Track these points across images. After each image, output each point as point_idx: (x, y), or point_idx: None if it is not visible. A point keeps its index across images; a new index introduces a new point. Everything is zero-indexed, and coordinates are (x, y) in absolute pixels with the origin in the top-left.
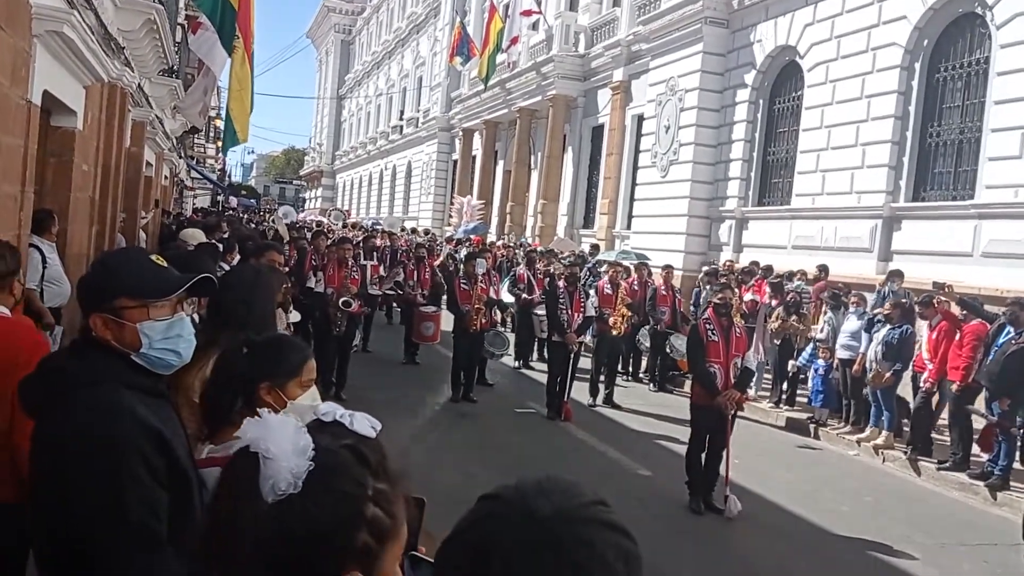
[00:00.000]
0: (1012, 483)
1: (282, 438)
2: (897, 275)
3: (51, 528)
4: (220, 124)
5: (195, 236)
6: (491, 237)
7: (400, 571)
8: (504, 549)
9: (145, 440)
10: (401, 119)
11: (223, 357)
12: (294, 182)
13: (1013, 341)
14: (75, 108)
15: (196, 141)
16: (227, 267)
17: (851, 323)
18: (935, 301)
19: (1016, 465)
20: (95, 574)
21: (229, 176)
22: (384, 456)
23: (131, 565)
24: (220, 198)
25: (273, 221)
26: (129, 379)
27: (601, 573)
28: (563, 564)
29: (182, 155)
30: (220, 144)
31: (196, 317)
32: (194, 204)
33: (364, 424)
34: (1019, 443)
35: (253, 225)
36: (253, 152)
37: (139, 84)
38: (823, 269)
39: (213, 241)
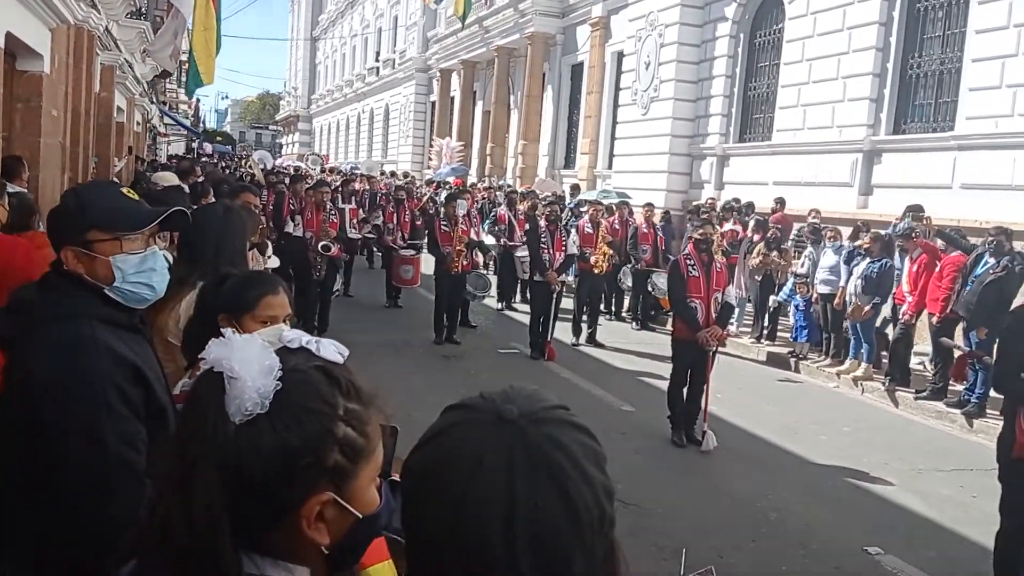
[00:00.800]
0: (988, 410)
1: (247, 357)
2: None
3: (25, 461)
4: None
5: (166, 179)
6: (471, 179)
7: (377, 492)
8: (474, 451)
9: (121, 373)
10: (377, 61)
11: (203, 290)
12: (270, 127)
13: (991, 271)
14: (41, 51)
15: (168, 86)
16: None
17: (828, 258)
18: (914, 234)
19: (992, 393)
20: (73, 503)
21: (203, 122)
22: (354, 377)
23: (111, 496)
24: (195, 145)
25: (249, 167)
26: (102, 313)
27: (573, 471)
28: (536, 462)
29: (154, 100)
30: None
31: (169, 257)
32: (168, 151)
33: (331, 350)
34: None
35: (228, 172)
36: (227, 97)
37: (107, 27)
38: (780, 202)
39: (181, 184)
